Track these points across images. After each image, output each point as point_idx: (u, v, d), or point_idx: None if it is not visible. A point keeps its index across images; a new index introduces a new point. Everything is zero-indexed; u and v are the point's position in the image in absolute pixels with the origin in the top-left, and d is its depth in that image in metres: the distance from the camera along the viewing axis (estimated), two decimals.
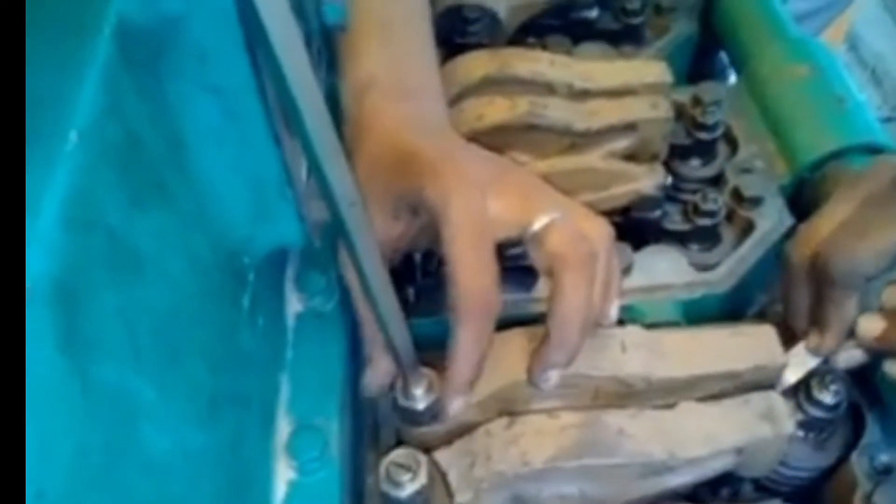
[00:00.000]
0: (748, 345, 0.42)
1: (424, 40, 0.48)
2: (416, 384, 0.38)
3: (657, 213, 0.51)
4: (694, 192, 0.52)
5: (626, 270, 0.47)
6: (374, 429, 0.43)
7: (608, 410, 0.40)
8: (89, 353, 0.24)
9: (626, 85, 0.49)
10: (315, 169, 0.28)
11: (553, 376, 0.38)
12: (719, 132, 0.53)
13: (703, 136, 0.53)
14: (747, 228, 0.51)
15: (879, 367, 0.43)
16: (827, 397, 0.42)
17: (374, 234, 0.32)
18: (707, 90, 0.55)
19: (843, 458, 0.43)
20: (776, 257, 0.47)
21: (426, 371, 0.38)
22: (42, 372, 0.21)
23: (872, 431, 0.43)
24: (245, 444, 0.35)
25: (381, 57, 0.44)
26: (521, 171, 0.43)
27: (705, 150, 0.54)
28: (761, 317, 0.50)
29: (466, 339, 0.36)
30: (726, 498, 0.44)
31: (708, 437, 0.40)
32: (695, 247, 0.51)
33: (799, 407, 0.43)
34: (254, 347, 0.38)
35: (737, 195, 0.51)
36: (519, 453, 0.38)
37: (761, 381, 0.42)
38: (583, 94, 0.49)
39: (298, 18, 0.30)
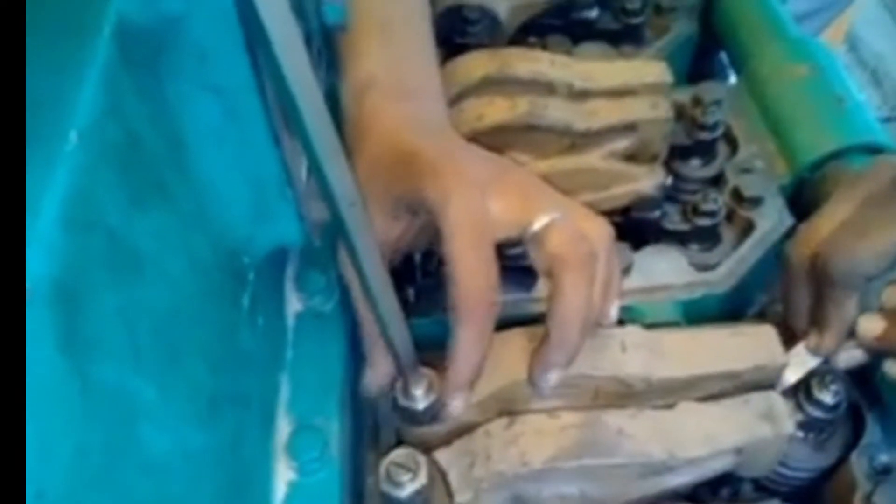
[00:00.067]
0: (748, 345, 0.42)
1: (424, 40, 0.48)
2: (416, 384, 0.38)
3: (657, 213, 0.51)
4: (694, 192, 0.52)
5: (626, 270, 0.47)
6: (374, 429, 0.43)
7: (608, 410, 0.40)
8: (89, 354, 0.24)
9: (626, 85, 0.49)
10: (315, 169, 0.28)
11: (553, 378, 0.38)
12: (719, 132, 0.53)
13: (704, 136, 0.53)
14: (747, 228, 0.51)
15: (879, 367, 0.43)
16: (827, 397, 0.42)
17: (374, 235, 0.32)
18: (707, 90, 0.55)
19: (842, 459, 0.43)
20: (776, 257, 0.47)
21: (426, 371, 0.38)
22: (42, 372, 0.21)
23: (872, 432, 0.43)
24: (245, 445, 0.35)
25: (381, 57, 0.44)
26: (521, 170, 0.43)
27: (705, 150, 0.54)
28: (761, 317, 0.50)
29: (466, 339, 0.36)
30: (726, 498, 0.44)
31: (708, 437, 0.40)
32: (695, 247, 0.51)
33: (799, 407, 0.43)
34: (254, 347, 0.38)
35: (737, 195, 0.51)
36: (519, 453, 0.38)
37: (761, 381, 0.42)
38: (583, 95, 0.49)
39: (298, 18, 0.30)
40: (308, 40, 0.40)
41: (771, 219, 0.50)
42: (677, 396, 0.41)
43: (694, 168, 0.54)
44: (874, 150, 0.51)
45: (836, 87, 0.55)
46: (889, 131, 0.55)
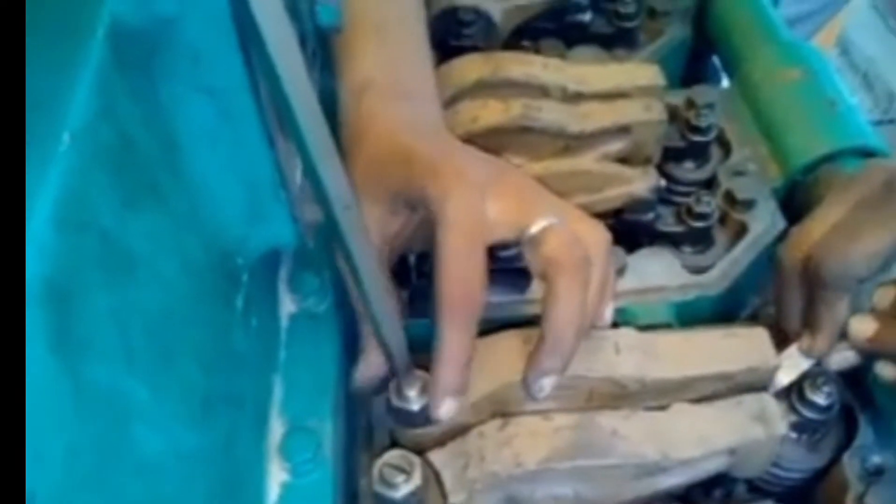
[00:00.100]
0: (741, 347, 0.42)
1: (419, 42, 0.48)
2: (410, 386, 0.38)
3: (650, 215, 0.51)
4: (687, 194, 0.52)
5: (620, 272, 0.48)
6: (367, 430, 0.43)
7: (602, 412, 0.40)
8: (82, 354, 0.24)
9: (618, 88, 0.50)
10: (309, 171, 0.28)
11: (547, 383, 0.38)
12: (712, 135, 0.54)
13: (697, 138, 0.53)
14: (740, 231, 0.51)
15: (872, 368, 0.43)
16: (819, 399, 0.42)
17: (369, 236, 0.32)
18: (700, 93, 0.55)
19: (835, 460, 0.43)
20: (769, 260, 0.48)
21: (420, 373, 0.38)
22: (34, 372, 0.21)
23: (865, 433, 0.43)
24: (238, 446, 0.35)
25: (377, 58, 0.45)
26: (518, 173, 0.43)
27: (698, 153, 0.54)
28: (754, 319, 0.50)
29: (451, 338, 0.36)
30: (719, 499, 0.44)
31: (701, 438, 0.40)
32: (688, 249, 0.51)
33: (792, 408, 0.43)
34: (247, 348, 0.38)
35: (730, 198, 0.51)
36: (512, 454, 0.38)
37: (754, 383, 0.42)
38: (576, 97, 0.49)
39: (293, 19, 0.30)
40: (302, 42, 0.40)
41: (764, 221, 0.50)
42: (671, 398, 0.41)
43: (687, 170, 0.54)
44: (866, 153, 0.51)
45: (828, 91, 0.55)
46: (881, 134, 0.55)
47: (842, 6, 1.09)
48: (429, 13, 0.53)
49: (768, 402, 0.41)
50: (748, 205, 0.51)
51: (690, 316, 0.48)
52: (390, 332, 0.36)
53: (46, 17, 0.27)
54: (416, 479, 0.37)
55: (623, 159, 0.51)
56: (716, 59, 0.68)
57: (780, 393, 0.43)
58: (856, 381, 0.45)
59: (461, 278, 0.35)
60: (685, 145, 0.53)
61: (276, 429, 0.38)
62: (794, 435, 0.43)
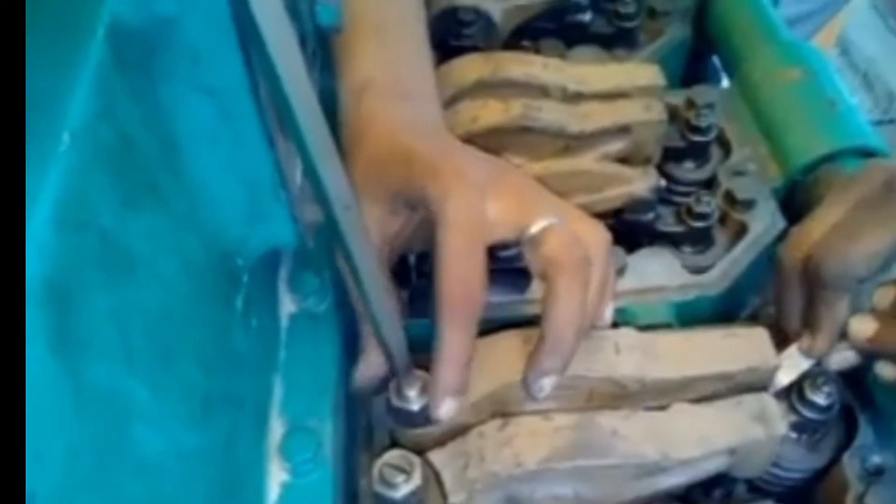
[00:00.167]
0: (741, 347, 0.42)
1: (420, 42, 0.48)
2: (410, 386, 0.38)
3: (650, 215, 0.51)
4: (687, 194, 0.52)
5: (620, 272, 0.48)
6: (367, 430, 0.43)
7: (602, 412, 0.40)
8: (82, 354, 0.24)
9: (618, 88, 0.50)
10: (309, 172, 0.28)
11: (547, 383, 0.38)
12: (712, 135, 0.54)
13: (697, 138, 0.53)
14: (740, 231, 0.51)
15: (872, 368, 0.43)
16: (820, 399, 0.42)
17: (369, 236, 0.32)
18: (700, 93, 0.55)
19: (835, 460, 0.43)
20: (769, 260, 0.48)
21: (420, 373, 0.38)
22: (34, 372, 0.21)
23: (865, 433, 0.43)
24: (238, 446, 0.35)
25: (377, 58, 0.45)
26: (519, 173, 0.43)
27: (698, 153, 0.54)
28: (754, 319, 0.50)
29: (451, 338, 0.36)
30: (719, 499, 0.44)
31: (701, 438, 0.40)
32: (688, 249, 0.51)
33: (792, 408, 0.43)
34: (247, 348, 0.38)
35: (730, 198, 0.51)
36: (512, 454, 0.38)
37: (754, 383, 0.42)
38: (576, 97, 0.49)
39: (292, 19, 0.30)
40: (302, 42, 0.40)
41: (764, 221, 0.50)
42: (671, 398, 0.41)
43: (687, 170, 0.54)
44: (866, 153, 0.51)
45: (828, 91, 0.55)
46: (881, 135, 0.55)
47: (842, 6, 1.10)
48: (429, 13, 0.53)
49: (768, 402, 0.41)
50: (748, 205, 0.51)
51: (690, 316, 0.48)
52: (390, 332, 0.36)
53: (46, 17, 0.27)
54: (416, 479, 0.37)
55: (623, 159, 0.51)
56: (716, 59, 0.68)
57: (780, 393, 0.43)
58: (856, 381, 0.45)
59: (461, 278, 0.35)
60: (685, 145, 0.53)
61: (276, 429, 0.38)
62: (794, 435, 0.43)
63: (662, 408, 0.41)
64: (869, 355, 0.43)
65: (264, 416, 0.38)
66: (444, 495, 0.38)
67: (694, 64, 0.67)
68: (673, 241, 0.51)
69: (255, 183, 0.38)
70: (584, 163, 0.50)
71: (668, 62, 0.57)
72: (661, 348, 0.41)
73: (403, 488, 0.37)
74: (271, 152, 0.37)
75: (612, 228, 0.41)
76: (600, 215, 0.44)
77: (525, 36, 0.61)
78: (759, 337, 0.43)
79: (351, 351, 0.41)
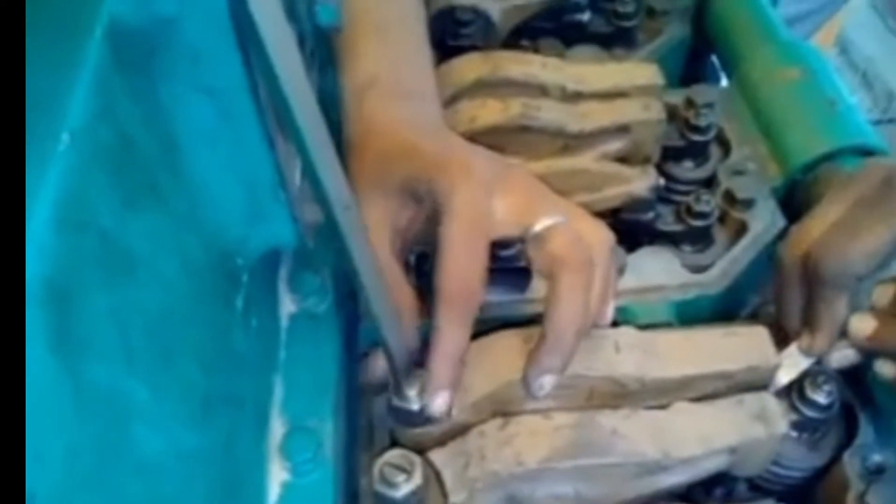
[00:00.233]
0: (741, 345, 0.42)
1: (420, 42, 0.48)
2: (410, 385, 0.38)
3: (650, 214, 0.51)
4: (687, 193, 0.52)
5: (620, 271, 0.48)
6: (368, 430, 0.43)
7: (602, 411, 0.40)
8: (81, 354, 0.24)
9: (617, 87, 0.50)
10: (309, 172, 0.28)
11: (547, 382, 0.38)
12: (712, 134, 0.54)
13: (696, 137, 0.53)
14: (740, 230, 0.51)
15: (871, 366, 0.43)
16: (820, 397, 0.42)
17: (370, 236, 0.32)
18: (700, 92, 0.55)
19: (836, 458, 0.43)
20: (769, 259, 0.48)
21: (421, 372, 0.38)
22: (34, 372, 0.21)
23: (865, 431, 0.43)
24: (238, 446, 0.35)
25: (379, 57, 0.45)
26: (523, 171, 0.43)
27: (698, 152, 0.54)
28: (754, 318, 0.50)
29: (446, 332, 0.36)
30: (720, 498, 0.44)
31: (701, 437, 0.40)
32: (688, 248, 0.51)
33: (792, 407, 0.43)
34: (247, 348, 0.38)
35: (729, 197, 0.51)
36: (513, 453, 0.38)
37: (754, 382, 0.42)
38: (575, 97, 0.49)
39: (291, 20, 0.30)
40: (301, 42, 0.40)
41: (763, 220, 0.50)
42: (671, 397, 0.41)
43: (686, 170, 0.54)
44: (865, 152, 0.51)
45: (827, 90, 0.55)
46: (880, 134, 0.55)
47: (840, 6, 1.10)
48: (427, 13, 0.53)
49: (769, 400, 0.41)
50: (748, 204, 0.51)
51: (690, 315, 0.48)
52: (390, 332, 0.36)
53: (46, 17, 0.27)
54: (417, 479, 0.37)
55: (622, 158, 0.51)
56: (715, 59, 0.68)
57: (780, 392, 0.43)
58: (856, 379, 0.45)
59: (461, 272, 0.35)
60: (684, 144, 0.53)
61: (277, 429, 0.38)
62: (794, 434, 0.43)
63: (663, 407, 0.41)
64: (869, 354, 0.43)
65: (265, 416, 0.38)
66: (444, 495, 0.38)
67: (693, 63, 0.67)
68: (673, 241, 0.51)
69: (255, 183, 0.38)
70: (584, 162, 0.50)
71: (667, 61, 0.57)
72: (661, 347, 0.41)
73: (404, 488, 0.37)
74: (271, 152, 0.37)
75: (611, 228, 0.41)
76: (600, 214, 0.44)
77: (524, 35, 0.61)
78: (759, 336, 0.43)
79: (351, 351, 0.41)
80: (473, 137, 0.46)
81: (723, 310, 0.49)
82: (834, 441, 0.44)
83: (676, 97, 0.55)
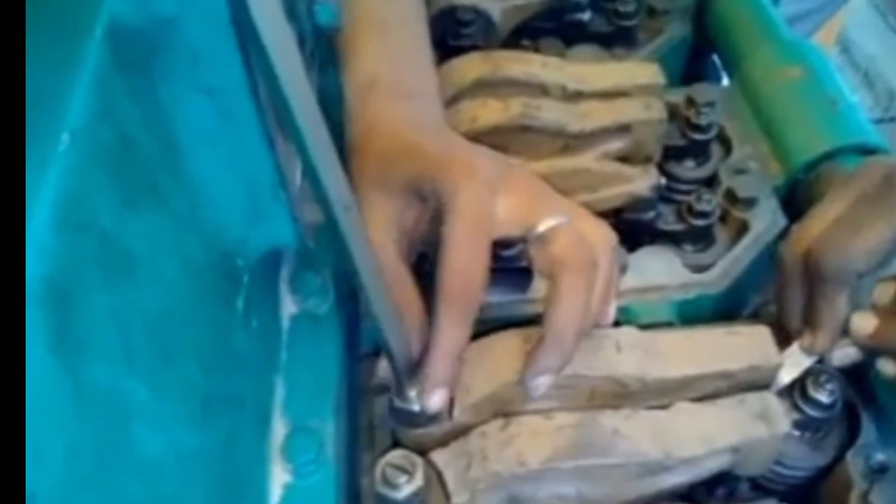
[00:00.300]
0: (742, 345, 0.42)
1: (420, 42, 0.48)
2: (412, 386, 0.38)
3: (651, 214, 0.51)
4: (688, 192, 0.52)
5: (621, 271, 0.47)
6: (369, 430, 0.43)
7: (603, 411, 0.40)
8: (82, 354, 0.24)
9: (618, 87, 0.50)
10: (309, 172, 0.28)
11: (544, 382, 0.38)
12: (713, 133, 0.53)
13: (697, 137, 0.53)
14: (741, 229, 0.51)
15: (874, 365, 0.43)
16: (822, 396, 0.42)
17: (370, 236, 0.32)
18: (701, 91, 0.55)
19: (838, 458, 0.43)
20: (770, 258, 0.48)
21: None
22: (34, 373, 0.21)
23: (868, 431, 0.43)
24: (239, 446, 0.35)
25: (381, 57, 0.45)
26: (526, 171, 0.43)
27: (699, 151, 0.54)
28: (755, 317, 0.50)
29: (445, 330, 0.36)
30: (722, 497, 0.44)
31: (703, 436, 0.40)
32: (689, 248, 0.51)
33: (794, 406, 0.43)
34: (248, 349, 0.38)
35: (731, 196, 0.51)
36: (515, 454, 0.38)
37: (756, 381, 0.42)
38: (576, 96, 0.49)
39: (291, 20, 0.30)
40: (301, 42, 0.40)
41: (765, 219, 0.50)
42: (672, 396, 0.41)
43: (688, 169, 0.54)
44: (867, 150, 0.51)
45: (828, 89, 0.55)
46: (881, 133, 0.55)
47: (841, 5, 1.09)
48: (428, 12, 0.53)
49: (771, 400, 0.41)
50: (749, 203, 0.51)
51: (692, 314, 0.48)
52: (392, 332, 0.36)
53: (46, 17, 0.27)
54: (419, 480, 0.37)
55: (623, 158, 0.51)
56: (716, 58, 0.68)
57: (782, 391, 0.43)
58: (858, 378, 0.45)
59: (463, 270, 0.35)
60: (686, 144, 0.53)
61: (279, 429, 0.38)
62: (797, 433, 0.43)
63: (664, 407, 0.41)
64: (871, 352, 0.43)
65: (266, 417, 0.38)
66: (446, 495, 0.38)
67: (694, 62, 0.67)
68: (674, 240, 0.51)
69: (255, 183, 0.38)
70: (585, 161, 0.49)
71: (667, 61, 0.57)
72: (662, 347, 0.41)
73: (406, 488, 0.37)
74: (271, 152, 0.37)
75: (612, 227, 0.41)
76: (601, 214, 0.44)
77: (524, 35, 0.61)
78: (760, 335, 0.43)
79: (353, 351, 0.41)
80: (474, 137, 0.46)
81: (724, 309, 0.49)
82: (836, 440, 0.44)
83: (677, 96, 0.55)
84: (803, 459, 0.43)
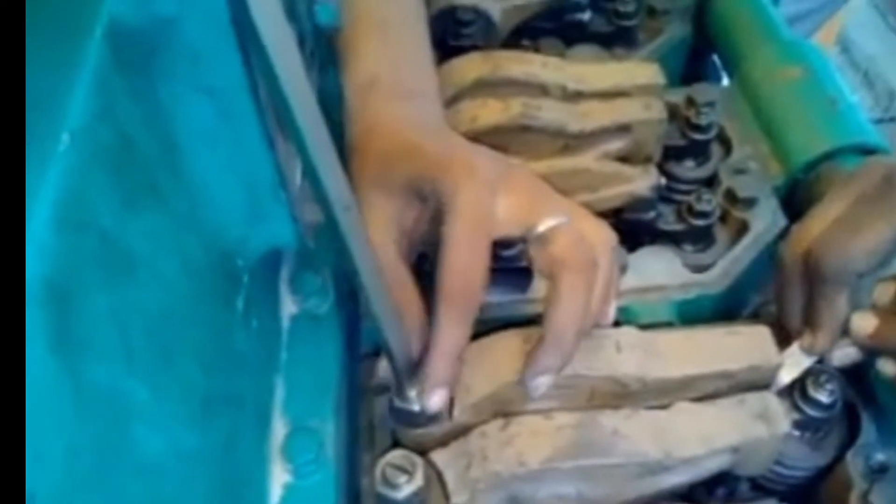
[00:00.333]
0: (743, 345, 0.42)
1: (420, 42, 0.49)
2: (412, 386, 0.38)
3: (651, 214, 0.51)
4: (688, 192, 0.52)
5: (621, 271, 0.47)
6: (369, 430, 0.43)
7: (603, 411, 0.40)
8: (82, 354, 0.24)
9: (618, 87, 0.50)
10: (309, 172, 0.28)
11: (544, 382, 0.38)
12: (713, 133, 0.53)
13: (697, 137, 0.53)
14: (741, 229, 0.51)
15: (874, 365, 0.43)
16: (822, 396, 0.42)
17: (370, 236, 0.32)
18: (701, 91, 0.55)
19: (839, 458, 0.43)
20: (770, 258, 0.48)
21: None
22: (34, 372, 0.21)
23: (868, 430, 0.43)
24: (239, 446, 0.35)
25: (381, 57, 0.45)
26: (527, 171, 0.43)
27: (699, 151, 0.54)
28: (755, 317, 0.50)
29: (445, 330, 0.36)
30: (722, 497, 0.44)
31: (703, 436, 0.40)
32: (689, 248, 0.51)
33: (794, 406, 0.43)
34: (248, 349, 0.38)
35: (731, 196, 0.51)
36: (515, 454, 0.38)
37: (756, 381, 0.42)
38: (576, 96, 0.49)
39: (291, 20, 0.30)
40: (301, 42, 0.40)
41: (765, 219, 0.50)
42: (672, 396, 0.41)
43: (688, 169, 0.54)
44: (867, 150, 0.51)
45: (828, 89, 0.55)
46: (881, 133, 0.55)
47: (841, 5, 1.09)
48: (428, 12, 0.53)
49: (771, 400, 0.41)
50: (749, 203, 0.51)
51: (692, 314, 0.48)
52: (392, 332, 0.36)
53: (46, 17, 0.27)
54: (419, 480, 0.37)
55: (623, 158, 0.51)
56: (716, 58, 0.68)
57: (782, 391, 0.43)
58: (858, 378, 0.45)
59: (463, 269, 0.35)
60: (686, 144, 0.53)
61: (279, 429, 0.38)
62: (797, 433, 0.43)
63: (664, 407, 0.41)
64: (871, 352, 0.43)
65: (266, 417, 0.38)
66: (446, 496, 0.38)
67: (694, 62, 0.67)
68: (674, 240, 0.51)
69: (255, 183, 0.38)
70: (585, 161, 0.49)
71: (667, 61, 0.57)
72: (662, 347, 0.41)
73: (406, 488, 0.37)
74: (271, 152, 0.37)
75: (612, 227, 0.41)
76: (601, 214, 0.44)
77: (524, 35, 0.61)
78: (760, 335, 0.43)
79: (353, 351, 0.41)
80: (474, 137, 0.46)
81: (724, 309, 0.49)
82: (836, 440, 0.44)
83: (677, 96, 0.55)
84: (803, 459, 0.43)
